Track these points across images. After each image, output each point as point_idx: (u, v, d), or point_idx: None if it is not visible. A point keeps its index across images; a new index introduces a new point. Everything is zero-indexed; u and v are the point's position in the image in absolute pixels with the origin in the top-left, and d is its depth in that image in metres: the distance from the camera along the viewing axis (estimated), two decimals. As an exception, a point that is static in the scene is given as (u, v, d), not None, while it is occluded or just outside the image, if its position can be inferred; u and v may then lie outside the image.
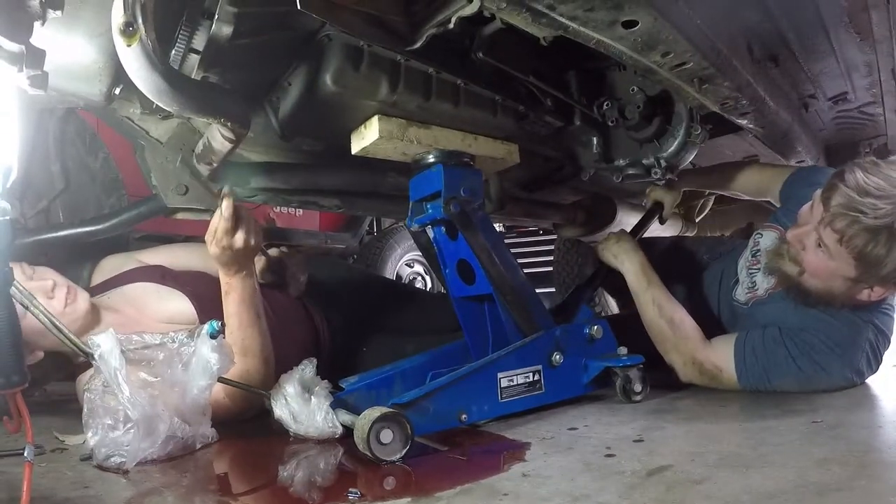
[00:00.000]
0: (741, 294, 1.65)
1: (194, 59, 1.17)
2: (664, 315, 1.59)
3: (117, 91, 1.18)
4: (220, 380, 1.22)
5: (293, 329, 1.67)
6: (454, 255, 1.49)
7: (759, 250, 1.67)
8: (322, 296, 1.85)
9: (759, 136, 1.78)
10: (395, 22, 1.16)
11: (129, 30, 0.94)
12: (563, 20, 0.97)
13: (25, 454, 0.82)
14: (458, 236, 1.43)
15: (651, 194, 2.16)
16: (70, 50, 1.09)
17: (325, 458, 1.17)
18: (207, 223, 1.40)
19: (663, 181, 1.73)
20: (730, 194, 2.14)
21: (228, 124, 1.24)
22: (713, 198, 2.64)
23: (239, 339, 1.36)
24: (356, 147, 1.43)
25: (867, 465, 0.95)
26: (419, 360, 1.47)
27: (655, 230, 2.23)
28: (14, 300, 0.89)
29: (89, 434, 1.09)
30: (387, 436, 1.07)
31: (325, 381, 1.28)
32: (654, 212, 2.12)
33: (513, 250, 1.73)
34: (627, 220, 2.53)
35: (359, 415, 1.12)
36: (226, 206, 1.32)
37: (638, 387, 1.45)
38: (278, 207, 3.17)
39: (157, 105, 1.12)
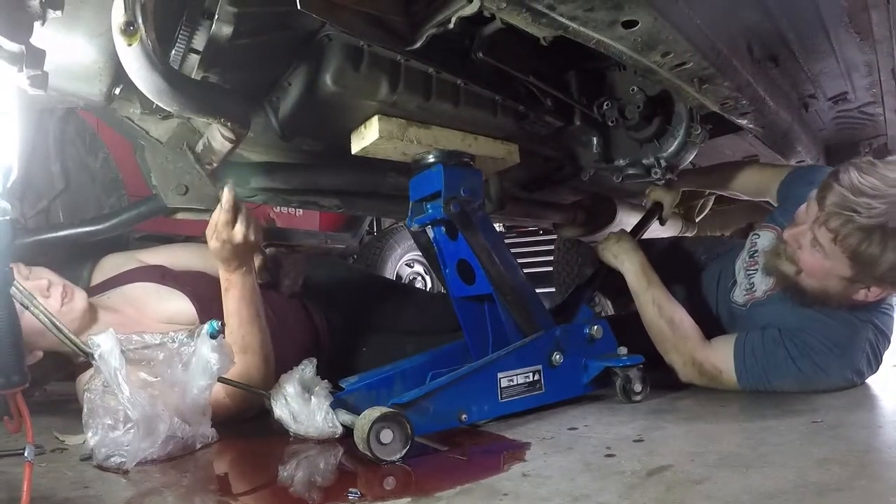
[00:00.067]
0: (739, 296, 1.65)
1: (194, 59, 1.17)
2: (664, 315, 1.59)
3: (117, 91, 1.18)
4: (220, 380, 1.22)
5: (293, 329, 1.67)
6: (454, 255, 1.49)
7: (756, 251, 1.67)
8: (322, 296, 1.85)
9: (759, 136, 1.78)
10: (395, 22, 1.16)
11: (129, 29, 0.94)
12: (563, 20, 0.97)
13: (25, 454, 0.82)
14: (458, 236, 1.43)
15: (651, 194, 2.16)
16: (70, 50, 1.09)
17: (325, 458, 1.17)
18: (206, 223, 1.40)
19: (663, 181, 1.73)
20: (729, 194, 2.14)
21: (228, 124, 1.24)
22: (713, 198, 2.64)
23: (239, 336, 1.36)
24: (356, 147, 1.43)
25: (867, 465, 0.95)
26: (419, 360, 1.47)
27: (655, 230, 2.23)
28: (14, 300, 0.89)
29: (89, 434, 1.09)
30: (387, 436, 1.07)
31: (325, 381, 1.28)
32: (654, 212, 2.12)
33: (513, 250, 1.73)
34: (627, 220, 2.53)
35: (359, 415, 1.12)
36: (226, 199, 1.34)
37: (638, 387, 1.45)
38: (278, 207, 3.17)
39: (157, 105, 1.12)
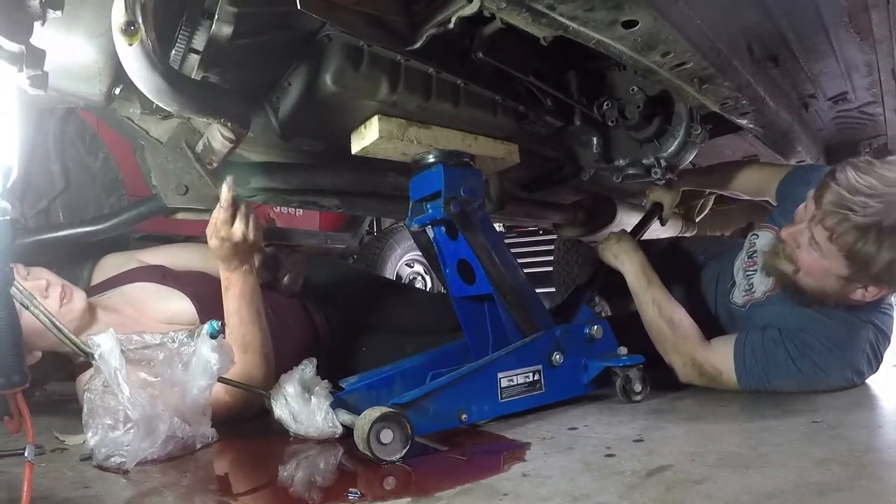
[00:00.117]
0: (738, 297, 1.65)
1: (194, 59, 1.17)
2: (664, 315, 1.59)
3: (117, 91, 1.18)
4: (220, 380, 1.22)
5: (293, 329, 1.67)
6: (454, 255, 1.49)
7: (755, 251, 1.66)
8: (322, 296, 1.85)
9: (759, 136, 1.78)
10: (395, 22, 1.16)
11: (130, 29, 0.94)
12: (563, 20, 0.97)
13: (26, 454, 0.82)
14: (458, 236, 1.43)
15: (651, 195, 2.16)
16: (70, 50, 1.09)
17: (325, 458, 1.17)
18: (206, 223, 1.40)
19: (663, 181, 1.73)
20: (730, 194, 2.14)
21: (228, 124, 1.24)
22: (713, 198, 2.64)
23: (239, 334, 1.37)
24: (356, 147, 1.43)
25: (867, 465, 0.95)
26: (419, 360, 1.47)
27: (656, 230, 2.23)
28: (14, 300, 0.89)
29: (89, 434, 1.09)
30: (387, 436, 1.07)
31: (325, 381, 1.28)
32: (654, 212, 2.12)
33: (513, 250, 1.73)
34: (627, 220, 2.53)
35: (359, 415, 1.12)
36: (224, 196, 1.34)
37: (638, 387, 1.45)
38: (278, 207, 3.17)
39: (157, 105, 1.12)
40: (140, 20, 0.95)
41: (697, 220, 2.70)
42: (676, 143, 1.64)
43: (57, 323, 1.13)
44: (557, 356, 1.41)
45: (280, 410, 1.24)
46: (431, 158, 1.43)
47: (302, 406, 1.23)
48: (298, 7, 0.99)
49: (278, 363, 1.39)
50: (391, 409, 1.11)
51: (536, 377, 1.38)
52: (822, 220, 1.31)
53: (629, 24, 0.99)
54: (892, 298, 1.50)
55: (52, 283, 1.38)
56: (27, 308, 1.11)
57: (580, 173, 1.93)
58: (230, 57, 1.17)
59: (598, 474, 0.95)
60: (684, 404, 1.44)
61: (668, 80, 1.25)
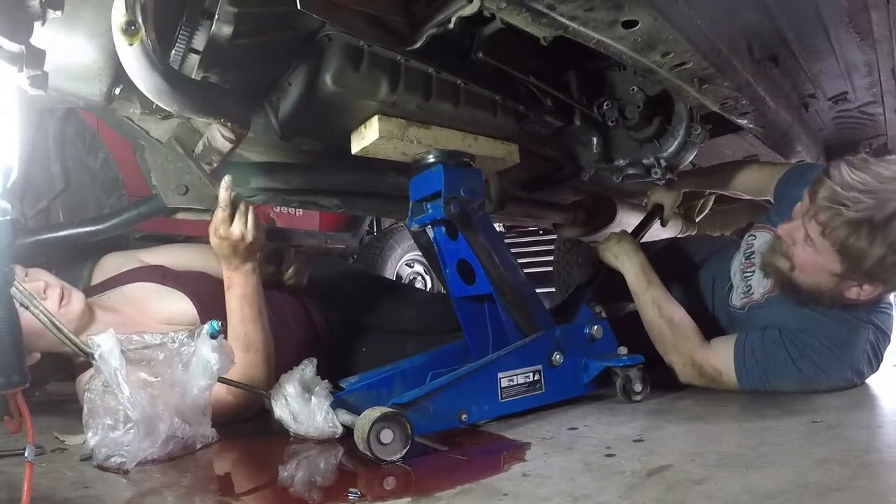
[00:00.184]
0: (736, 299, 1.64)
1: (194, 59, 1.17)
2: (664, 315, 1.59)
3: (117, 91, 1.18)
4: (221, 380, 1.22)
5: (293, 329, 1.67)
6: (454, 255, 1.49)
7: (752, 253, 1.66)
8: (322, 296, 1.85)
9: (759, 136, 1.78)
10: (395, 22, 1.16)
11: (129, 29, 0.94)
12: (563, 20, 0.97)
13: (26, 454, 0.82)
14: (458, 236, 1.43)
15: (652, 196, 2.16)
16: (70, 50, 1.09)
17: (325, 458, 1.17)
18: (207, 223, 1.40)
19: (663, 181, 1.73)
20: (731, 194, 2.14)
21: (228, 124, 1.24)
22: (713, 198, 2.64)
23: (241, 333, 1.37)
24: (356, 147, 1.43)
25: (867, 465, 0.95)
26: (419, 360, 1.47)
27: (656, 230, 2.23)
28: (14, 300, 0.89)
29: (89, 434, 1.09)
30: (387, 436, 1.07)
31: (325, 381, 1.28)
32: (655, 213, 2.12)
33: (513, 250, 1.73)
34: (627, 220, 2.53)
35: (359, 415, 1.12)
36: (221, 196, 1.35)
37: (638, 387, 1.45)
38: (278, 207, 3.17)
39: (157, 105, 1.12)
40: (140, 20, 0.95)
41: (697, 220, 2.70)
42: (676, 143, 1.64)
43: (57, 323, 1.13)
44: (557, 356, 1.41)
45: (280, 410, 1.24)
46: (431, 158, 1.43)
47: (302, 406, 1.23)
48: (298, 7, 0.99)
49: (278, 363, 1.39)
50: (391, 409, 1.11)
51: (536, 377, 1.38)
52: (815, 215, 1.31)
53: (629, 24, 0.99)
54: (891, 298, 1.50)
55: (50, 284, 1.38)
56: (27, 308, 1.11)
57: (580, 173, 1.93)
58: (230, 57, 1.17)
59: (598, 474, 0.95)
60: (684, 404, 1.44)
61: (668, 80, 1.25)
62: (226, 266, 1.41)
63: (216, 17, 1.08)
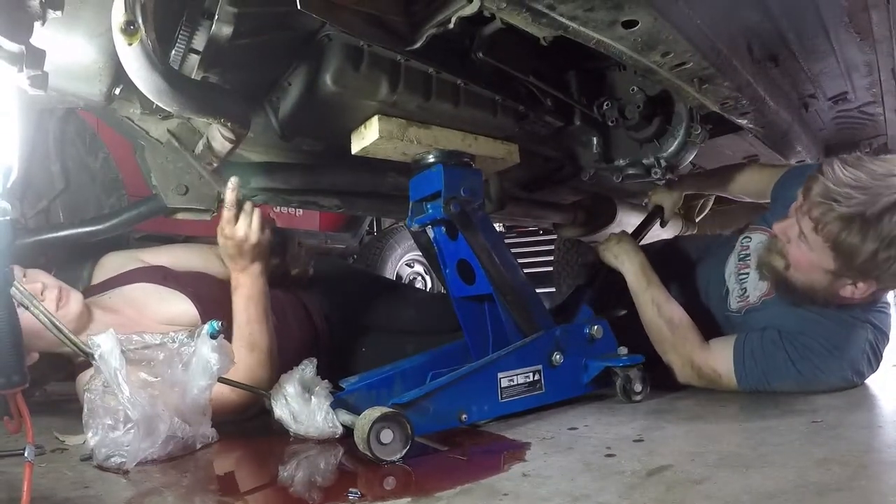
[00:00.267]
0: (733, 303, 1.64)
1: (194, 59, 1.17)
2: (663, 315, 1.59)
3: (117, 91, 1.18)
4: (221, 380, 1.22)
5: (293, 329, 1.67)
6: (454, 255, 1.49)
7: (747, 254, 1.66)
8: (322, 295, 1.85)
9: (759, 136, 1.78)
10: (395, 22, 1.16)
11: (130, 28, 0.94)
12: (563, 20, 0.97)
13: (26, 454, 0.82)
14: (458, 236, 1.43)
15: (652, 197, 2.16)
16: (70, 50, 1.09)
17: (325, 458, 1.17)
18: (207, 223, 1.40)
19: (663, 181, 1.73)
20: (732, 197, 2.15)
21: (228, 124, 1.24)
22: (713, 198, 2.64)
23: (246, 333, 1.38)
24: (356, 147, 1.43)
25: (867, 465, 0.95)
26: (419, 360, 1.47)
27: (656, 230, 2.23)
28: (14, 300, 0.89)
29: (89, 434, 1.09)
30: (387, 436, 1.07)
31: (325, 381, 1.28)
32: (655, 215, 2.12)
33: (513, 250, 1.73)
34: (628, 220, 2.53)
35: (359, 415, 1.12)
36: (228, 196, 1.36)
37: (638, 387, 1.45)
38: (278, 207, 3.17)
39: (157, 105, 1.12)
40: (140, 20, 0.95)
41: (697, 220, 2.70)
42: (676, 143, 1.64)
43: (57, 323, 1.13)
44: (557, 356, 1.41)
45: (280, 410, 1.24)
46: (431, 158, 1.43)
47: (302, 406, 1.23)
48: (298, 7, 0.99)
49: (278, 363, 1.39)
50: (391, 409, 1.11)
51: (536, 377, 1.38)
52: (809, 210, 1.32)
53: (629, 24, 0.99)
54: (889, 297, 1.50)
55: (48, 285, 1.38)
56: (27, 308, 1.11)
57: (580, 173, 1.93)
58: (230, 57, 1.17)
59: (598, 474, 0.95)
60: (684, 404, 1.44)
61: (668, 80, 1.25)
62: (233, 266, 1.42)
63: (216, 17, 1.08)
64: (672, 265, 1.82)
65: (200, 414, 1.21)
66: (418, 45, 1.16)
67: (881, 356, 1.49)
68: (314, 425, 1.21)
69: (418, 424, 1.13)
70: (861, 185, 1.26)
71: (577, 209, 2.54)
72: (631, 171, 1.76)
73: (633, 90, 1.59)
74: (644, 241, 2.06)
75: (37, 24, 0.88)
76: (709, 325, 1.61)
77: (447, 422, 1.23)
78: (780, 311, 1.49)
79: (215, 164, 1.43)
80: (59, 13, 0.90)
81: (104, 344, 1.08)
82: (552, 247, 3.69)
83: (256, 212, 1.40)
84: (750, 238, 1.69)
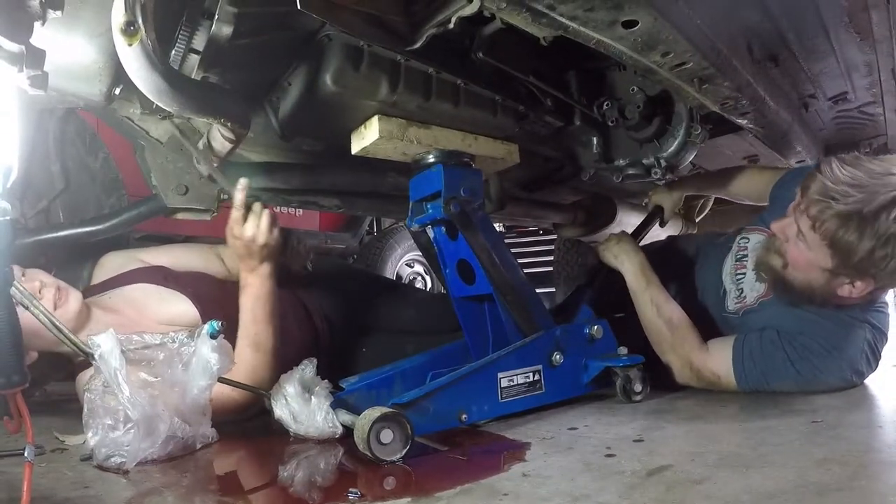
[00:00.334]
0: (731, 304, 1.64)
1: (194, 59, 1.17)
2: (662, 315, 1.59)
3: (117, 91, 1.18)
4: (220, 380, 1.22)
5: (293, 329, 1.67)
6: (454, 255, 1.49)
7: (744, 255, 1.66)
8: (322, 296, 1.85)
9: (759, 136, 1.78)
10: (395, 22, 1.16)
11: (129, 29, 0.94)
12: (563, 20, 0.97)
13: (25, 454, 0.82)
14: (458, 236, 1.43)
15: (652, 197, 2.16)
16: (70, 50, 1.09)
17: (325, 458, 1.17)
18: (207, 223, 1.41)
19: (663, 181, 1.73)
20: (733, 199, 2.15)
21: (228, 124, 1.24)
22: (713, 198, 2.64)
23: (252, 332, 1.38)
24: (356, 147, 1.43)
25: (867, 465, 0.95)
26: (419, 360, 1.47)
27: (655, 230, 2.23)
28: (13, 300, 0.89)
29: (89, 434, 1.09)
30: (387, 436, 1.07)
31: (325, 381, 1.28)
32: (655, 215, 2.12)
33: (513, 250, 1.73)
34: (628, 220, 2.53)
35: (359, 415, 1.12)
36: (236, 197, 1.38)
37: (638, 387, 1.45)
38: (278, 207, 3.17)
39: (157, 105, 1.12)
40: (140, 20, 0.95)
41: (697, 220, 2.70)
42: (676, 143, 1.64)
43: (57, 323, 1.13)
44: (557, 356, 1.41)
45: (280, 410, 1.24)
46: (431, 158, 1.43)
47: (302, 406, 1.23)
48: (298, 7, 0.99)
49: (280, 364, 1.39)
50: (391, 409, 1.11)
51: (536, 377, 1.38)
52: (806, 208, 1.32)
53: (629, 24, 0.99)
54: (887, 297, 1.50)
55: (46, 284, 1.38)
56: (27, 308, 1.11)
57: (580, 173, 1.93)
58: (230, 57, 1.17)
59: (598, 474, 0.95)
60: (684, 404, 1.44)
61: (668, 80, 1.25)
62: (242, 267, 1.43)
63: (216, 17, 1.08)
64: (670, 265, 1.82)
65: (200, 414, 1.21)
66: (418, 45, 1.16)
67: (880, 356, 1.49)
68: (314, 425, 1.22)
69: (418, 424, 1.13)
70: (859, 184, 1.26)
71: (577, 209, 2.54)
72: (631, 171, 1.76)
73: (633, 90, 1.60)
74: (644, 241, 2.06)
75: (37, 24, 0.88)
76: (706, 325, 1.61)
77: (447, 422, 1.23)
78: (778, 312, 1.49)
79: (215, 164, 1.43)
80: (59, 13, 0.90)
81: (104, 344, 1.08)
82: (552, 247, 3.68)
83: (265, 212, 1.41)
84: (747, 238, 1.69)
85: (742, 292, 1.62)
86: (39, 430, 1.06)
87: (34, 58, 0.89)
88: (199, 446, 1.21)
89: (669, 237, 2.30)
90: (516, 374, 1.35)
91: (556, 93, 1.59)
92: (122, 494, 0.99)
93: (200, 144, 1.41)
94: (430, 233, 1.51)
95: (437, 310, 1.97)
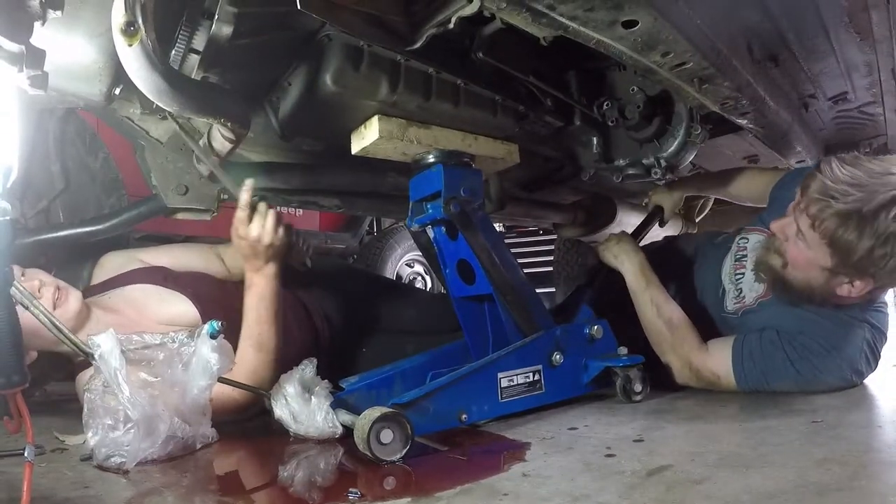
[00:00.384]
0: (730, 304, 1.64)
1: (194, 59, 1.17)
2: (662, 315, 1.59)
3: (117, 91, 1.18)
4: (221, 379, 1.22)
5: (293, 329, 1.67)
6: (454, 255, 1.49)
7: (744, 255, 1.66)
8: (322, 296, 1.85)
9: (759, 136, 1.78)
10: (395, 22, 1.16)
11: (129, 29, 0.94)
12: (563, 20, 0.97)
13: (26, 454, 0.82)
14: (458, 236, 1.43)
15: (652, 197, 2.16)
16: (70, 50, 1.09)
17: (325, 458, 1.17)
18: (207, 223, 1.41)
19: (663, 181, 1.73)
20: (733, 200, 2.15)
21: (228, 124, 1.24)
22: (713, 198, 2.64)
23: (255, 332, 1.39)
24: (356, 147, 1.43)
25: (867, 465, 0.95)
26: (419, 360, 1.47)
27: (655, 229, 2.23)
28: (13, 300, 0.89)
29: (89, 434, 1.09)
30: (387, 436, 1.07)
31: (325, 381, 1.28)
32: (655, 215, 2.12)
33: (513, 250, 1.73)
34: (628, 220, 2.53)
35: (359, 415, 1.12)
36: (242, 197, 1.38)
37: (638, 387, 1.45)
38: (278, 207, 3.17)
39: (157, 105, 1.12)
40: (140, 20, 0.95)
41: (697, 220, 2.70)
42: (676, 143, 1.64)
43: (57, 323, 1.13)
44: (557, 356, 1.41)
45: (280, 410, 1.24)
46: (431, 158, 1.43)
47: (302, 406, 1.23)
48: (298, 7, 0.99)
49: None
50: (391, 409, 1.11)
51: (536, 377, 1.38)
52: (806, 207, 1.33)
53: (629, 24, 0.99)
54: (886, 297, 1.50)
55: (45, 282, 1.38)
56: (27, 308, 1.11)
57: (580, 173, 1.93)
58: (230, 57, 1.17)
59: (598, 474, 0.95)
60: (684, 404, 1.44)
61: (668, 80, 1.25)
62: (248, 267, 1.43)
63: (216, 17, 1.08)
64: (670, 265, 1.82)
65: (200, 414, 1.21)
66: (418, 45, 1.16)
67: (879, 355, 1.49)
68: (314, 425, 1.22)
69: (418, 424, 1.13)
70: (858, 183, 1.27)
71: (577, 209, 2.54)
72: (631, 171, 1.76)
73: (633, 90, 1.60)
74: (644, 241, 2.06)
75: (37, 24, 0.88)
76: (705, 325, 1.62)
77: (447, 422, 1.23)
78: (777, 312, 1.49)
79: (217, 164, 1.43)
80: (59, 13, 0.90)
81: (104, 344, 1.08)
82: (552, 247, 3.69)
83: (270, 212, 1.40)
84: (747, 239, 1.69)
85: (741, 292, 1.62)
86: (39, 430, 1.06)
87: (34, 58, 0.89)
88: (199, 446, 1.21)
89: (666, 237, 2.30)
90: (516, 374, 1.35)
91: (556, 93, 1.59)
92: (122, 494, 0.99)
93: (201, 144, 1.41)
94: (430, 233, 1.51)
95: (437, 310, 1.97)
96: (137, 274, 1.60)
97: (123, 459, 1.07)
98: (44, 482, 1.02)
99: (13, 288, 0.88)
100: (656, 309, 1.61)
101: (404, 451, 1.08)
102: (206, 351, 1.17)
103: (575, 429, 1.25)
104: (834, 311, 1.43)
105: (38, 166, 1.83)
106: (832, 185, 1.28)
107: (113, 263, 1.66)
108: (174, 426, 1.14)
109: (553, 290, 3.47)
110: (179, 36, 1.15)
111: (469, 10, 1.00)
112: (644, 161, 1.71)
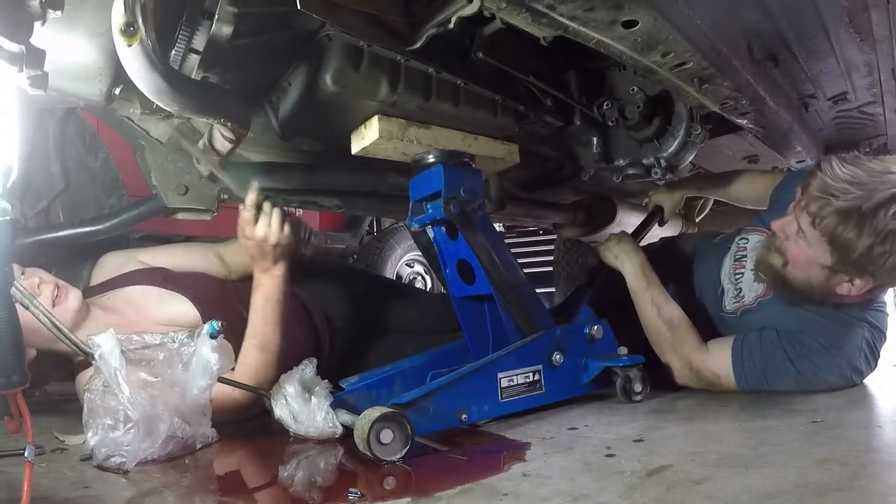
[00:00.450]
0: (729, 304, 1.64)
1: (194, 59, 1.17)
2: (662, 315, 1.59)
3: (117, 91, 1.18)
4: (221, 379, 1.22)
5: (293, 329, 1.66)
6: (454, 255, 1.49)
7: (743, 255, 1.66)
8: (322, 296, 1.85)
9: (759, 136, 1.78)
10: (395, 22, 1.16)
11: (129, 30, 0.94)
12: (563, 20, 0.97)
13: (26, 454, 0.82)
14: (458, 236, 1.43)
15: (652, 197, 2.16)
16: (70, 50, 1.09)
17: (325, 458, 1.17)
18: (207, 223, 1.41)
19: (663, 181, 1.73)
20: (736, 203, 2.15)
21: (228, 124, 1.24)
22: (713, 198, 2.64)
23: (260, 332, 1.38)
24: (356, 147, 1.43)
25: (867, 465, 0.95)
26: (419, 360, 1.47)
27: (655, 229, 2.23)
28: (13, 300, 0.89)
29: (89, 434, 1.09)
30: (387, 436, 1.07)
31: (326, 381, 1.28)
32: (655, 215, 2.12)
33: (513, 250, 1.73)
34: (628, 219, 2.53)
35: (359, 415, 1.12)
36: (248, 197, 1.38)
37: (638, 387, 1.45)
38: (286, 207, 3.17)
39: (157, 105, 1.12)
40: (140, 20, 0.95)
41: (697, 220, 2.70)
42: (676, 143, 1.64)
43: (57, 323, 1.13)
44: (557, 356, 1.41)
45: (280, 410, 1.24)
46: (431, 158, 1.43)
47: (302, 406, 1.23)
48: (298, 7, 0.99)
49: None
50: (391, 409, 1.11)
51: (536, 377, 1.38)
52: (807, 205, 1.33)
53: (629, 24, 0.99)
54: (886, 297, 1.50)
55: (44, 280, 1.38)
56: (27, 308, 1.11)
57: (580, 173, 1.93)
58: (230, 57, 1.17)
59: (598, 474, 0.95)
60: (684, 404, 1.44)
61: (668, 80, 1.25)
62: (255, 267, 1.43)
63: (216, 17, 1.08)
64: (669, 265, 1.82)
65: (200, 414, 1.21)
66: (418, 45, 1.16)
67: (879, 355, 1.49)
68: (314, 425, 1.22)
69: (418, 424, 1.13)
70: (858, 181, 1.28)
71: (577, 209, 2.54)
72: (631, 171, 1.76)
73: (633, 90, 1.60)
74: (644, 241, 2.06)
75: (37, 24, 0.88)
76: (704, 325, 1.62)
77: (447, 422, 1.23)
78: (776, 311, 1.49)
79: (217, 164, 1.43)
80: (59, 13, 0.90)
81: (104, 344, 1.08)
82: (552, 247, 3.69)
83: (276, 212, 1.40)
84: (746, 239, 1.69)
85: (740, 292, 1.62)
86: (39, 430, 1.06)
87: (34, 58, 0.89)
88: (199, 446, 1.21)
89: (662, 238, 2.30)
90: (516, 374, 1.35)
91: (556, 93, 1.59)
92: (122, 494, 0.99)
93: (201, 144, 1.41)
94: (430, 233, 1.51)
95: (437, 310, 1.97)
96: (137, 275, 1.60)
97: (123, 459, 1.07)
98: (44, 482, 1.02)
99: (13, 287, 0.88)
100: (656, 309, 1.61)
101: (404, 451, 1.08)
102: (206, 351, 1.17)
103: (575, 429, 1.25)
104: (834, 310, 1.43)
105: (38, 166, 1.83)
106: (832, 183, 1.29)
107: (112, 264, 1.66)
108: (174, 426, 1.14)
109: (553, 290, 3.46)
110: (179, 36, 1.15)
111: (469, 10, 1.00)
112: (644, 161, 1.71)
